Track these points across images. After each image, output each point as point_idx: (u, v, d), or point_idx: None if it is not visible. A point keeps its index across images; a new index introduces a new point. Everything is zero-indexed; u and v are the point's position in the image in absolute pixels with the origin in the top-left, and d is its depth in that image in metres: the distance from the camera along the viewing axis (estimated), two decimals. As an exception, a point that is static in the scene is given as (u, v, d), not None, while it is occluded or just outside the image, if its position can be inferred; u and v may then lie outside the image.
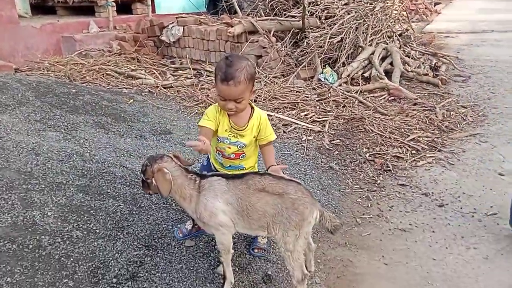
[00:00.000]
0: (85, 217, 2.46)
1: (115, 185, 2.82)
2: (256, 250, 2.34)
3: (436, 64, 6.72)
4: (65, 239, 2.27)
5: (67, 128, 3.52)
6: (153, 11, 8.81)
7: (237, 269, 2.22)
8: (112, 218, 2.50)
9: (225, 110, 2.07)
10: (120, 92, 4.95)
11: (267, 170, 2.13)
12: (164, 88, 5.37)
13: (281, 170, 2.08)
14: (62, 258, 2.15)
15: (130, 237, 2.37)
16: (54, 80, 4.93)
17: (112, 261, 2.19)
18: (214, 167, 2.33)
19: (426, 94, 5.46)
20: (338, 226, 1.94)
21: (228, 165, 2.25)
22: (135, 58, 6.81)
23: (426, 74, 6.13)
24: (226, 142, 2.16)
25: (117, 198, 2.68)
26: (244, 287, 2.14)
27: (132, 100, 4.56)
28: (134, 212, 2.58)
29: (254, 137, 2.18)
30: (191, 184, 1.96)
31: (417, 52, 7.12)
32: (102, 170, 2.96)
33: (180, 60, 6.88)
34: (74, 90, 4.39)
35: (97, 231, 2.38)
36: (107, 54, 6.88)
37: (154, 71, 6.23)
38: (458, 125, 4.42)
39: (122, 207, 2.61)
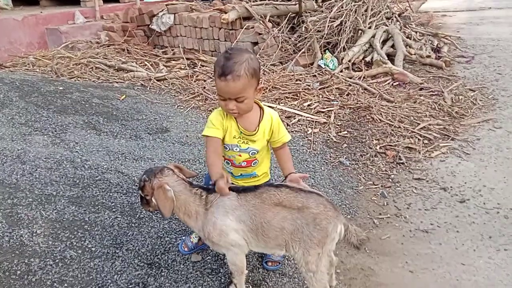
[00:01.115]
0: (79, 234, 2.23)
1: (111, 194, 2.59)
2: (269, 264, 2.13)
3: (438, 45, 6.48)
4: (57, 260, 2.05)
5: (55, 131, 3.26)
6: (141, -2, 8.42)
7: (250, 286, 2.01)
8: (109, 233, 2.27)
9: (227, 111, 1.82)
10: (111, 87, 4.66)
11: (285, 179, 1.89)
12: (158, 80, 5.10)
13: (301, 179, 1.83)
14: (55, 284, 1.93)
15: (130, 254, 2.15)
16: (40, 77, 4.64)
17: (111, 284, 1.97)
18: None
19: (431, 78, 5.22)
20: (364, 240, 1.73)
21: (239, 174, 2.02)
22: (124, 49, 6.50)
23: (429, 56, 5.89)
24: (236, 150, 1.92)
25: (114, 209, 2.45)
26: (260, 307, 1.94)
27: (124, 96, 4.28)
28: (133, 225, 2.36)
29: (266, 141, 1.95)
30: (197, 199, 1.73)
31: (417, 33, 6.85)
32: (95, 177, 2.72)
33: (172, 50, 6.57)
34: (61, 88, 4.10)
35: (93, 249, 2.15)
36: (95, 45, 6.55)
37: (146, 62, 5.93)
38: (469, 110, 4.20)
39: (119, 219, 2.38)
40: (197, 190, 1.74)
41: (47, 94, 3.86)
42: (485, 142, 3.56)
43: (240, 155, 1.93)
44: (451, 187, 2.94)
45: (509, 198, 2.77)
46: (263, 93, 4.48)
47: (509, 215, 2.61)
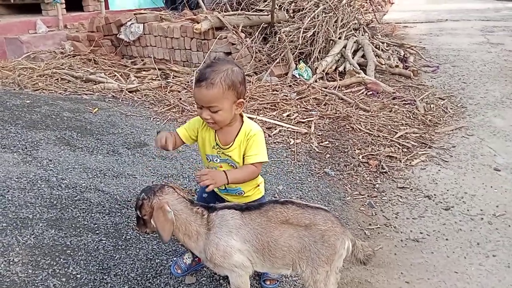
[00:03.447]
0: (62, 260, 2.06)
1: (92, 214, 2.43)
2: (268, 283, 2.06)
3: (405, 55, 6.71)
4: (39, 291, 1.87)
5: (26, 148, 3.04)
6: (107, 7, 8.19)
7: (250, 308, 1.93)
8: (94, 258, 2.12)
9: (203, 120, 1.77)
10: (81, 99, 4.44)
11: None
12: (130, 92, 4.92)
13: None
14: (39, 318, 1.76)
15: (119, 280, 2.01)
16: (2, 90, 4.34)
17: (101, 314, 1.83)
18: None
19: (401, 87, 5.38)
20: (371, 255, 1.70)
21: (223, 188, 1.92)
22: (91, 59, 6.25)
23: (397, 66, 6.09)
24: (216, 161, 1.86)
25: (97, 231, 2.30)
26: (262, 329, 1.86)
27: (96, 109, 4.09)
28: (119, 247, 2.21)
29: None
30: (198, 219, 1.64)
31: (384, 43, 7.07)
32: (74, 197, 2.55)
33: (142, 60, 6.39)
34: (28, 101, 3.86)
35: (78, 276, 2.00)
36: (60, 56, 6.26)
37: (115, 73, 5.72)
38: (441, 118, 4.35)
39: (104, 242, 2.23)
40: (198, 209, 1.65)
41: (14, 108, 3.62)
42: (460, 149, 3.68)
43: (221, 166, 1.86)
44: (434, 195, 3.00)
45: (490, 205, 2.86)
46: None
47: (493, 221, 2.68)
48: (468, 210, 2.80)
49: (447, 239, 2.53)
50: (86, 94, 4.78)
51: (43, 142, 3.16)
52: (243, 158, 1.82)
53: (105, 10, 7.83)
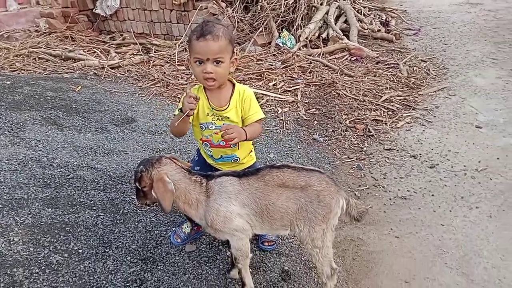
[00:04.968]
0: (62, 237, 2.09)
1: (88, 191, 2.44)
2: (266, 244, 2.14)
3: (386, 19, 6.70)
4: (43, 267, 1.91)
5: (12, 129, 2.99)
6: (79, -19, 7.84)
7: (250, 270, 2.01)
8: (94, 233, 2.15)
9: (203, 78, 1.76)
10: (62, 78, 4.35)
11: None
12: (112, 68, 4.83)
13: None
14: (46, 292, 1.81)
15: (121, 252, 2.06)
16: (-21, 72, 4.22)
17: (107, 285, 1.88)
18: (207, 162, 2.04)
19: (384, 51, 5.42)
20: (364, 212, 1.78)
21: (219, 156, 1.97)
22: (68, 36, 6.07)
23: (379, 30, 6.09)
24: (212, 127, 1.89)
25: (94, 208, 2.32)
26: (263, 289, 1.95)
27: (80, 87, 4.02)
28: (118, 222, 2.25)
29: (242, 118, 1.90)
30: (197, 187, 1.67)
31: (366, 8, 7.03)
32: (67, 175, 2.55)
33: (121, 35, 6.24)
34: (8, 82, 3.76)
35: (80, 251, 2.04)
36: (35, 34, 6.06)
37: (94, 49, 5.57)
38: (424, 80, 4.43)
39: (102, 217, 2.26)
40: (196, 177, 1.68)
41: (-6, 90, 3.53)
42: (443, 109, 3.78)
43: (216, 133, 1.88)
44: (420, 154, 3.10)
45: (472, 160, 2.98)
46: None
47: (475, 175, 2.81)
48: (452, 167, 2.92)
49: (433, 195, 2.65)
50: (66, 73, 4.68)
51: (29, 122, 3.11)
52: (243, 119, 1.88)
53: (78, -16, 7.51)
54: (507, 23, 6.32)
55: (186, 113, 1.68)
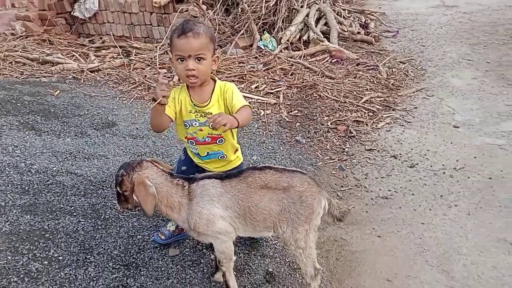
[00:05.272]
0: (41, 244, 2.05)
1: (67, 197, 2.40)
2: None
3: (366, 21, 6.81)
4: (22, 276, 1.87)
5: (-13, 135, 2.92)
6: (57, -17, 7.70)
7: (234, 272, 2.00)
8: (74, 239, 2.11)
9: (185, 76, 1.75)
10: (40, 82, 4.26)
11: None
12: (91, 72, 4.76)
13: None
14: (26, 301, 1.77)
15: (103, 258, 2.03)
16: (-48, 76, 4.10)
17: (89, 292, 1.85)
18: (194, 162, 2.03)
19: (364, 53, 5.50)
20: (346, 212, 1.80)
21: (206, 154, 1.95)
22: (46, 40, 5.95)
23: (359, 33, 6.18)
24: (196, 124, 1.87)
25: (74, 214, 2.28)
26: (247, 291, 1.95)
27: (58, 91, 3.94)
28: (99, 227, 2.22)
29: (229, 110, 1.86)
30: (179, 190, 1.67)
31: (345, 10, 7.13)
32: (46, 181, 2.50)
33: (100, 38, 6.15)
34: (-17, 87, 3.67)
35: (60, 258, 2.00)
36: (11, 38, 5.93)
37: (73, 53, 5.49)
38: (403, 81, 4.51)
39: (83, 223, 2.22)
40: (178, 180, 1.67)
41: (-32, 94, 3.43)
42: (422, 110, 3.85)
43: (201, 130, 1.87)
44: (400, 154, 3.16)
45: (451, 159, 3.04)
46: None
47: (454, 174, 2.87)
48: (431, 166, 2.98)
49: (413, 194, 2.69)
50: (44, 77, 4.59)
51: (6, 128, 3.04)
52: (230, 110, 1.83)
53: (55, -13, 7.38)
54: (481, 25, 6.51)
55: (158, 101, 1.65)
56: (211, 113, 1.83)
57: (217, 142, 1.91)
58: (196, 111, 1.86)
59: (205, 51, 1.74)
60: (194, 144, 1.93)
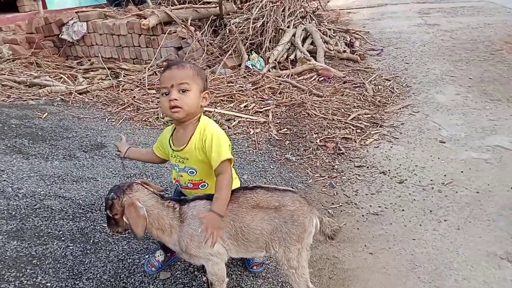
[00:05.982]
0: (28, 270, 2.00)
1: (55, 221, 2.36)
2: (255, 267, 2.11)
3: (351, 40, 6.98)
4: (8, 304, 1.82)
5: (-27, 160, 2.87)
6: (44, 6, 7.77)
7: (227, 294, 1.98)
8: (63, 265, 2.07)
9: (169, 107, 1.65)
10: (27, 105, 4.23)
11: None
12: (79, 94, 4.75)
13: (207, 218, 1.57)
14: (12, 331, 1.71)
15: (92, 284, 1.99)
16: None
17: (78, 319, 1.81)
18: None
19: (351, 71, 5.61)
20: (337, 230, 1.80)
21: (191, 195, 1.85)
22: (33, 62, 5.94)
23: (345, 51, 6.32)
24: (176, 169, 1.82)
25: (63, 238, 2.24)
26: (240, 313, 1.92)
27: (46, 114, 3.92)
28: (88, 251, 2.18)
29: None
30: (170, 212, 1.66)
31: (331, 30, 7.30)
32: (33, 205, 2.46)
33: (89, 60, 6.16)
34: (-31, 111, 3.63)
35: (48, 284, 1.95)
36: (-2, 61, 5.89)
37: (61, 75, 5.47)
38: (389, 98, 4.59)
39: (71, 247, 2.18)
40: (169, 202, 1.66)
41: (-46, 119, 3.39)
42: (408, 126, 3.92)
43: (181, 175, 1.80)
44: (389, 170, 3.19)
45: (438, 174, 3.09)
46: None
47: (442, 189, 2.91)
48: (420, 182, 3.01)
49: (403, 210, 2.71)
50: (32, 99, 4.56)
51: (-8, 152, 3.00)
52: (209, 161, 1.70)
53: (43, 10, 7.43)
54: (462, 43, 6.71)
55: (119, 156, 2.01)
56: (188, 159, 1.74)
57: (200, 187, 1.81)
58: (175, 156, 1.79)
59: (190, 81, 1.66)
60: (179, 187, 1.90)
